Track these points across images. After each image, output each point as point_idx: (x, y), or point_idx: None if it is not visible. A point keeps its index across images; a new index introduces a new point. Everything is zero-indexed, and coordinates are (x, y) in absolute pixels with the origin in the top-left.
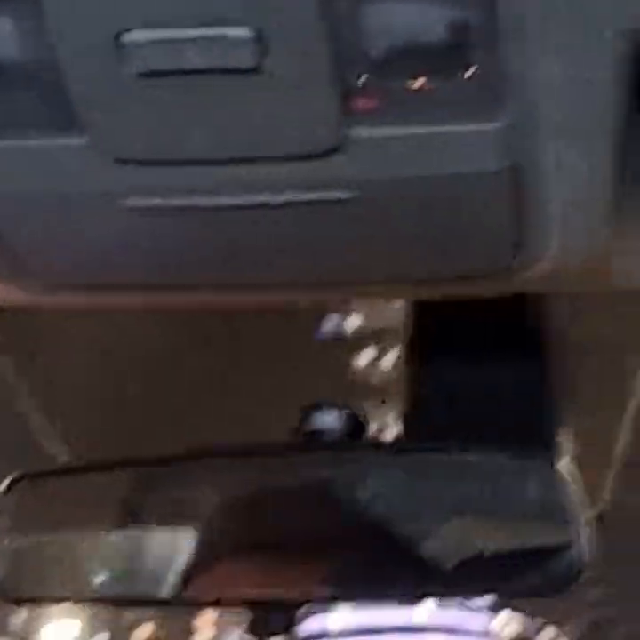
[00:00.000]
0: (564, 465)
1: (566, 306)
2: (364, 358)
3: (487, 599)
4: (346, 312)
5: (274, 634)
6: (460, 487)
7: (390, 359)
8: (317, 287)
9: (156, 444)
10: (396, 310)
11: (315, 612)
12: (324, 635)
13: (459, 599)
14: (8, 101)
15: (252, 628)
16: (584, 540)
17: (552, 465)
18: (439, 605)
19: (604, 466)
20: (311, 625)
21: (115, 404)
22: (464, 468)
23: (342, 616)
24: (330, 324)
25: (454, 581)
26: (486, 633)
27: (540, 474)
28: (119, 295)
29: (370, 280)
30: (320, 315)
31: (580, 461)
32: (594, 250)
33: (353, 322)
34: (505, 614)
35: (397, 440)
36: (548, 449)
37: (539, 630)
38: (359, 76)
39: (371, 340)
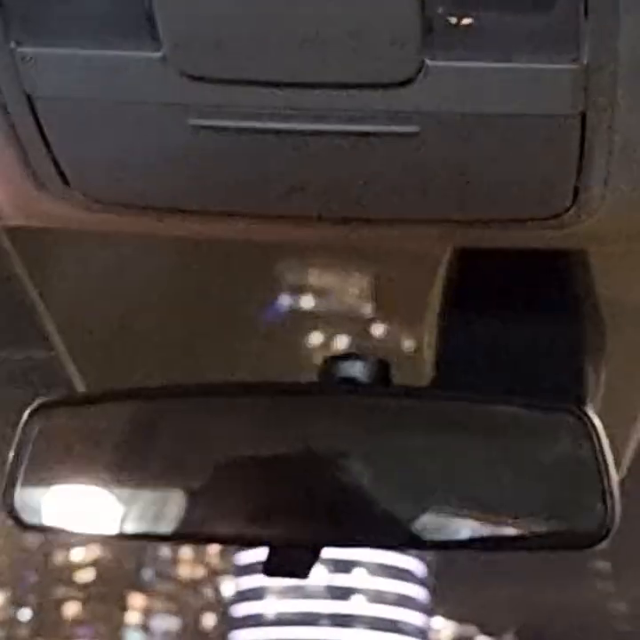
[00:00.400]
0: (595, 422)
1: (605, 267)
2: (314, 340)
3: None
4: (298, 293)
5: (287, 576)
6: (488, 438)
7: (343, 342)
8: (371, 223)
9: (171, 376)
10: (349, 293)
11: (250, 598)
12: (258, 620)
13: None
14: (87, 9)
15: (267, 569)
16: (616, 494)
17: (586, 418)
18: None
19: (626, 435)
20: (246, 609)
21: (132, 335)
22: (493, 420)
23: (277, 603)
24: (281, 304)
25: (478, 533)
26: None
27: (573, 427)
28: (168, 219)
29: (424, 218)
30: (271, 294)
31: (605, 425)
32: None
33: (305, 302)
34: (439, 620)
35: (424, 389)
36: (579, 405)
37: (471, 638)
38: (443, 5)
39: (322, 322)
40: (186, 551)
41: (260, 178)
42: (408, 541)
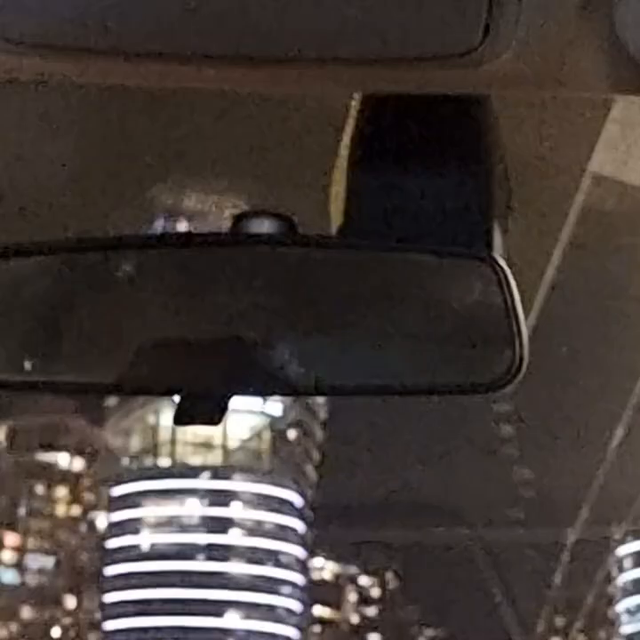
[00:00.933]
0: (505, 268)
1: (513, 122)
2: None
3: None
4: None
5: (197, 422)
6: (397, 286)
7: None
8: (281, 64)
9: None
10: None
11: (124, 531)
12: (133, 554)
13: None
14: None
15: (177, 418)
16: (524, 339)
17: (495, 264)
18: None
19: (536, 285)
20: (121, 542)
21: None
22: (402, 268)
23: (153, 536)
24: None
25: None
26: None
27: (483, 273)
28: (84, 61)
29: (332, 57)
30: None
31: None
32: (560, 41)
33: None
34: (319, 560)
35: (334, 237)
36: (489, 252)
37: (353, 577)
38: None
39: None
40: (61, 489)
41: (172, 17)
42: (318, 389)
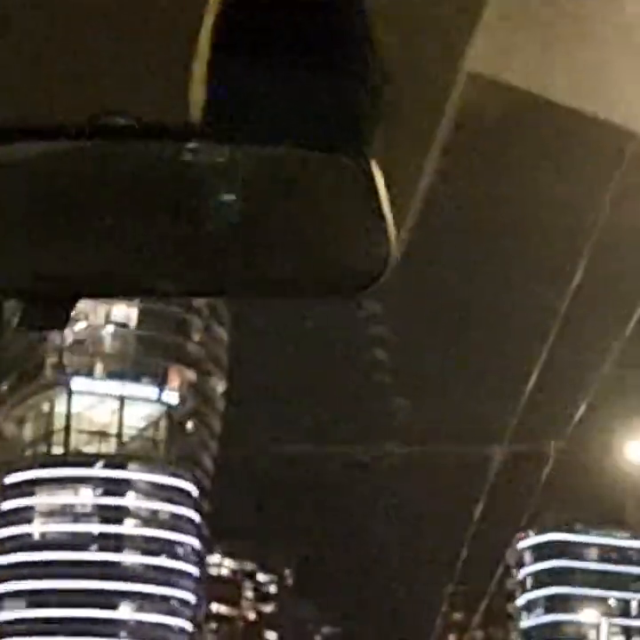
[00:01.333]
0: (373, 165)
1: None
2: None
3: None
4: None
5: (47, 327)
6: (262, 179)
7: None
8: None
9: None
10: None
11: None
12: (24, 543)
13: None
14: None
15: (28, 320)
16: (392, 236)
17: (362, 159)
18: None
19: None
20: (11, 531)
21: None
22: (266, 160)
23: (44, 525)
24: None
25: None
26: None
27: (350, 167)
28: None
29: None
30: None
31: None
32: None
33: None
34: (217, 556)
35: (194, 128)
36: (357, 147)
37: (251, 573)
38: None
39: None
40: None
41: None
42: (163, 290)
